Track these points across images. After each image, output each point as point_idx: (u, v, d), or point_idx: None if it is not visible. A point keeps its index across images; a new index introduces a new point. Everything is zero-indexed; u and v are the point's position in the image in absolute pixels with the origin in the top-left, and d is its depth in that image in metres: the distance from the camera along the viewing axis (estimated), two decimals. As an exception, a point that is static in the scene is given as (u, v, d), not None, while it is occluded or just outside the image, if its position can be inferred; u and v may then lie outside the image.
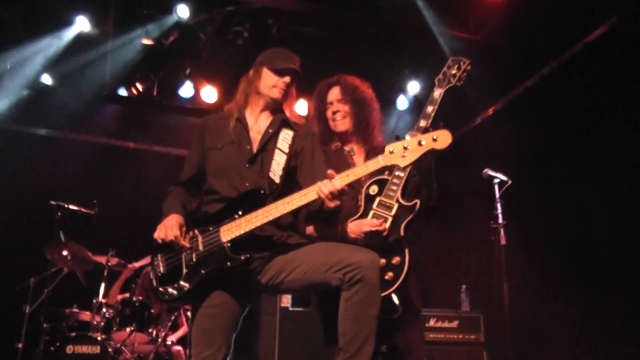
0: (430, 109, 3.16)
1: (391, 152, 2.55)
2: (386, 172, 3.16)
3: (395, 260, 3.00)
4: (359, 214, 3.13)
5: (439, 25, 5.52)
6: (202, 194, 3.00)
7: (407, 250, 3.01)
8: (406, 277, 2.99)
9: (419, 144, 2.52)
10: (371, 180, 3.18)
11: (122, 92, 6.89)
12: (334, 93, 3.45)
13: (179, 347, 5.74)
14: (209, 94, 6.59)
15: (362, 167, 2.63)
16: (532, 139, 5.69)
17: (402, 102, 6.91)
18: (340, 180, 2.60)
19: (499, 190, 4.79)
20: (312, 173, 2.95)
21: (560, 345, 5.34)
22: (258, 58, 3.09)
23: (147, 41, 6.27)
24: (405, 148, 2.53)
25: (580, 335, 5.13)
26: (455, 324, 5.42)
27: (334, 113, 3.42)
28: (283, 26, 5.41)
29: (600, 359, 4.94)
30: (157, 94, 6.79)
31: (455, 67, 3.24)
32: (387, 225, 3.02)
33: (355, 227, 3.04)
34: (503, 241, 4.80)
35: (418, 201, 3.06)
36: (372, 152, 3.39)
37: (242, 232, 2.68)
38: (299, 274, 2.72)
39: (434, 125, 2.99)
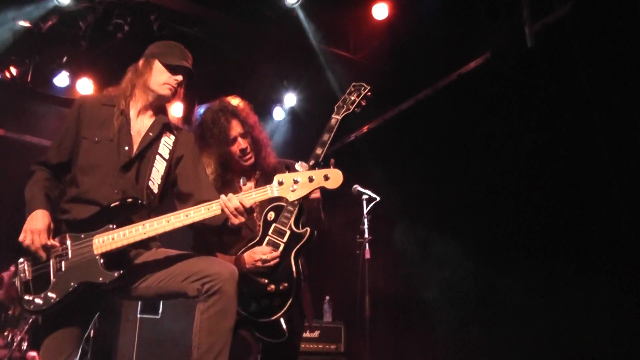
0: (326, 136, 3.18)
1: (280, 183, 2.49)
2: (285, 199, 3.17)
3: (283, 286, 3.02)
4: (256, 240, 3.14)
5: (320, 42, 5.64)
6: (65, 182, 2.81)
7: (295, 277, 3.03)
8: (293, 303, 3.01)
9: (310, 179, 2.46)
10: (270, 206, 3.18)
11: (-5, 74, 6.50)
12: (235, 127, 3.28)
13: (34, 353, 5.40)
14: (85, 85, 6.38)
15: (252, 193, 2.56)
16: (403, 159, 5.92)
17: (279, 113, 7.00)
18: (247, 198, 2.53)
19: (367, 206, 4.94)
20: (197, 182, 2.85)
21: (419, 355, 5.57)
22: (149, 49, 2.94)
23: (24, 23, 5.94)
24: (295, 182, 2.47)
25: (437, 348, 5.39)
26: (316, 334, 5.53)
27: (242, 151, 3.28)
28: (165, 24, 5.29)
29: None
30: (32, 80, 6.45)
31: (355, 93, 3.27)
32: (279, 251, 3.04)
33: (248, 257, 3.04)
34: (367, 255, 4.96)
35: (308, 229, 3.10)
36: (263, 177, 3.37)
37: (117, 247, 2.56)
38: (154, 281, 2.64)
39: (327, 157, 3.05)
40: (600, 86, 4.33)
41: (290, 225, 3.10)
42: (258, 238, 3.15)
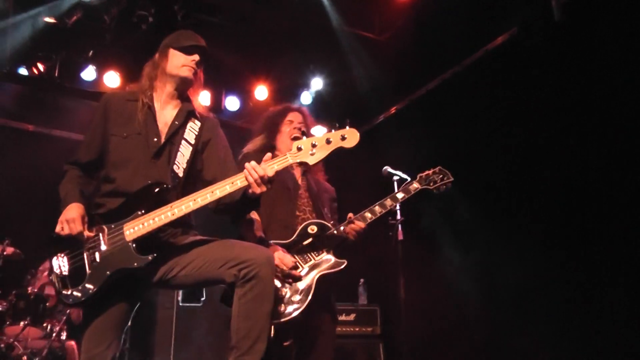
0: (401, 195, 3.38)
1: (299, 149, 2.53)
2: (332, 222, 3.32)
3: (297, 298, 3.07)
4: (289, 241, 3.23)
5: (344, 24, 5.60)
6: (99, 179, 2.86)
7: (311, 296, 3.09)
8: (295, 318, 3.06)
9: (327, 141, 2.51)
10: (314, 220, 3.29)
11: (23, 71, 6.59)
12: (297, 116, 3.54)
13: (72, 342, 5.52)
14: (112, 79, 6.43)
15: (274, 162, 2.61)
16: (431, 139, 5.87)
17: (306, 98, 6.99)
18: (270, 166, 2.58)
19: (398, 187, 4.92)
20: (224, 165, 2.89)
21: (454, 337, 5.57)
22: (163, 42, 3.00)
23: (49, 19, 6.00)
24: (313, 145, 2.52)
25: (474, 328, 5.38)
26: (352, 316, 5.55)
27: (295, 129, 3.49)
28: (189, 13, 5.31)
29: (492, 349, 5.20)
30: (59, 75, 6.52)
31: (440, 177, 3.43)
32: (302, 272, 3.13)
33: (284, 258, 3.10)
34: (400, 236, 4.95)
35: (346, 262, 3.20)
36: (307, 172, 3.55)
37: (147, 231, 2.60)
38: (193, 269, 2.67)
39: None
40: (630, 60, 4.23)
41: (331, 250, 3.21)
42: (291, 240, 3.23)
